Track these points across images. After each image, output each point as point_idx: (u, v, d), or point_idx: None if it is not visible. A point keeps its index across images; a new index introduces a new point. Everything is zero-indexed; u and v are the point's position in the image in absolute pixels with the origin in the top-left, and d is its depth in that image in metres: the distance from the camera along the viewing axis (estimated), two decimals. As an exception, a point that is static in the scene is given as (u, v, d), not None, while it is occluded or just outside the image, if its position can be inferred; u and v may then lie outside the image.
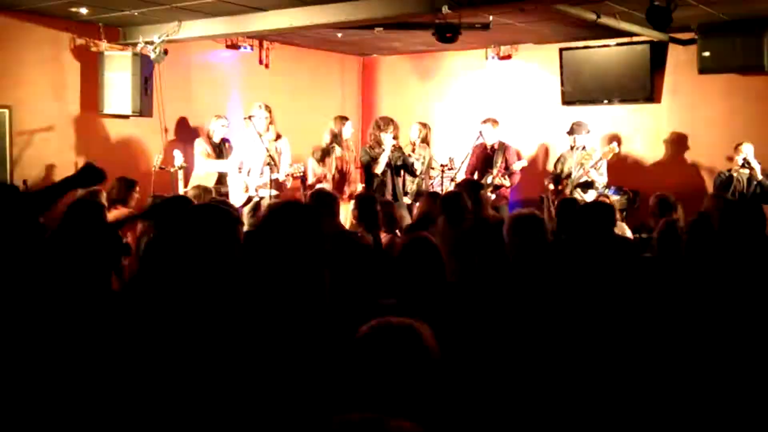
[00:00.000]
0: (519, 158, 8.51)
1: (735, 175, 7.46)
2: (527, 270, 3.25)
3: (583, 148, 8.17)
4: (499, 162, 8.28)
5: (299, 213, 2.45)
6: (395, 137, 8.00)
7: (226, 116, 8.53)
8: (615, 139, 8.75)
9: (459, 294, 3.10)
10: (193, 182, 7.76)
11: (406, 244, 3.11)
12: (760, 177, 7.34)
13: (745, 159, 7.37)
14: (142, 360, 2.33)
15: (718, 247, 3.69)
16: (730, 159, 7.73)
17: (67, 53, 8.04)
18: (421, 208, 5.73)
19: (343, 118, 8.26)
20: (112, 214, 5.88)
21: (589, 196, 7.83)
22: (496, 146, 8.38)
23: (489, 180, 8.22)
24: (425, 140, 8.57)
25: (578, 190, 7.90)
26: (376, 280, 3.73)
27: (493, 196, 8.08)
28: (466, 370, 2.69)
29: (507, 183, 8.21)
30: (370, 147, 8.09)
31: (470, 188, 5.56)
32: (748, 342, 3.06)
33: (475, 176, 8.42)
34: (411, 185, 8.23)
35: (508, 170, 8.26)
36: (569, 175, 8.09)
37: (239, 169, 7.90)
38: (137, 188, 6.61)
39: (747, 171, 7.39)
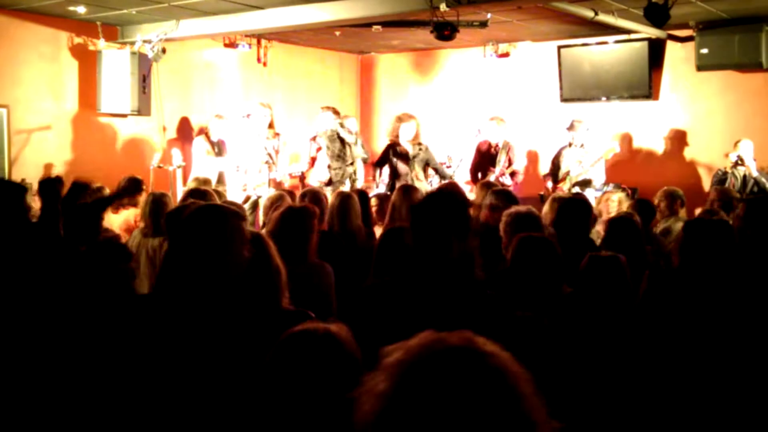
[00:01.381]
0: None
1: (729, 172, 7.46)
2: (526, 267, 3.24)
3: (581, 145, 8.17)
4: (502, 160, 8.27)
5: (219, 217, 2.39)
6: (415, 134, 7.93)
7: (225, 116, 8.55)
8: (615, 137, 8.75)
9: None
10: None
11: (384, 235, 3.10)
12: (755, 174, 7.35)
13: (738, 156, 7.38)
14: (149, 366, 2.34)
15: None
16: (728, 156, 7.74)
17: (65, 52, 8.03)
18: (393, 201, 5.71)
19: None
20: (121, 215, 5.86)
21: (588, 194, 7.83)
22: (500, 145, 8.36)
23: (492, 178, 8.21)
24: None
25: (576, 188, 7.90)
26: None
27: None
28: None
29: (509, 182, 8.16)
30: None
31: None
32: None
33: (478, 174, 8.43)
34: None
35: (510, 169, 8.24)
36: (567, 173, 8.09)
37: (237, 168, 7.90)
38: (144, 187, 6.59)
39: (743, 168, 7.40)
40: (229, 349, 2.25)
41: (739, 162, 7.36)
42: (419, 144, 7.83)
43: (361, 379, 1.75)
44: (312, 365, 1.79)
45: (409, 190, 5.64)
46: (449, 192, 2.52)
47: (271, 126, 8.08)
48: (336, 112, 8.08)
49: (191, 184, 6.43)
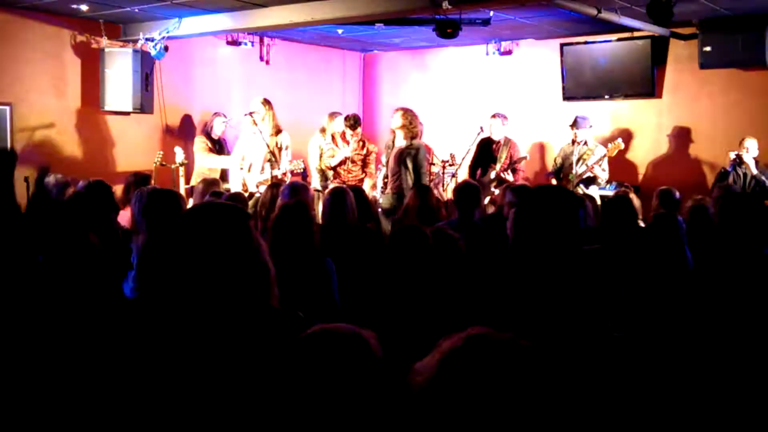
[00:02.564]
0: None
1: (731, 170, 7.45)
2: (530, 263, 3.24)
3: (585, 143, 8.16)
4: (503, 157, 8.27)
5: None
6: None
7: (226, 114, 8.55)
8: (619, 134, 8.74)
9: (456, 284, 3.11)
10: (196, 178, 7.79)
11: (395, 233, 3.10)
12: (754, 172, 7.34)
13: (737, 155, 7.36)
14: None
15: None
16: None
17: (68, 50, 8.04)
18: (409, 200, 5.72)
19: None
20: (127, 212, 5.84)
21: (592, 191, 7.84)
22: (501, 141, 8.37)
23: (492, 175, 8.22)
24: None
25: (581, 185, 7.89)
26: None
27: (497, 191, 8.07)
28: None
29: (510, 178, 8.18)
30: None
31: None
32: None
33: (477, 171, 8.44)
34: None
35: (512, 166, 8.24)
36: (570, 169, 8.09)
37: (240, 166, 7.91)
38: (152, 184, 6.57)
39: (743, 167, 7.38)
40: (225, 351, 2.22)
41: (738, 161, 7.35)
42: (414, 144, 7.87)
43: (386, 383, 1.77)
44: (338, 367, 1.70)
45: (426, 190, 5.63)
46: (563, 190, 2.56)
47: (273, 123, 8.09)
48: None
49: (198, 185, 6.43)
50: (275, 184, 6.86)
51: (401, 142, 7.43)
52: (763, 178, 7.33)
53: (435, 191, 7.40)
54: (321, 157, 8.46)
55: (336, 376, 1.69)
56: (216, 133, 8.38)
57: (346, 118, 8.47)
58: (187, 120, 9.08)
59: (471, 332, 1.29)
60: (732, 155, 7.42)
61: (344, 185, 5.72)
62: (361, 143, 8.56)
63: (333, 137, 8.53)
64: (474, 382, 1.20)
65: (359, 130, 8.51)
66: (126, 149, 8.51)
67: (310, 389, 1.69)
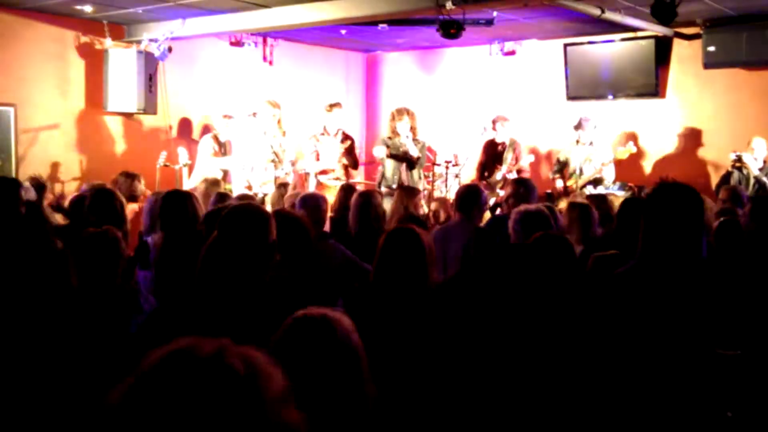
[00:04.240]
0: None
1: (734, 171, 7.41)
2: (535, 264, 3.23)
3: (590, 143, 8.14)
4: (509, 159, 8.27)
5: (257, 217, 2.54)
6: (412, 128, 8.03)
7: (232, 115, 8.53)
8: (629, 137, 8.69)
9: (447, 289, 3.08)
10: (195, 178, 7.78)
11: (388, 236, 3.05)
12: (755, 173, 7.28)
13: (738, 156, 7.32)
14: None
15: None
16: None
17: (72, 51, 8.05)
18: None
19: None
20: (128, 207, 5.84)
21: (599, 192, 7.82)
22: (506, 143, 8.36)
23: (498, 176, 8.22)
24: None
25: (588, 187, 7.86)
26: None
27: (502, 193, 8.07)
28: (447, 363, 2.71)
29: None
30: (388, 138, 8.16)
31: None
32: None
33: (485, 173, 8.45)
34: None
35: (517, 167, 8.24)
36: (573, 171, 8.07)
37: (243, 166, 7.91)
38: (141, 180, 6.57)
39: (745, 169, 7.35)
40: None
41: (737, 162, 7.30)
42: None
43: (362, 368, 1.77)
44: (307, 350, 1.80)
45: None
46: (691, 189, 2.62)
47: (279, 125, 8.07)
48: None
49: (200, 186, 6.43)
50: (282, 183, 6.88)
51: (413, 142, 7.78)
52: (764, 179, 7.28)
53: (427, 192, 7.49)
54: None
55: (301, 356, 1.79)
56: (223, 136, 8.27)
57: (328, 107, 8.12)
58: (190, 121, 9.08)
59: (175, 345, 1.10)
60: (732, 156, 7.38)
61: (373, 189, 5.63)
62: (342, 135, 8.23)
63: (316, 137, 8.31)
64: (172, 401, 1.02)
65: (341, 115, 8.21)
66: (129, 150, 8.52)
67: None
